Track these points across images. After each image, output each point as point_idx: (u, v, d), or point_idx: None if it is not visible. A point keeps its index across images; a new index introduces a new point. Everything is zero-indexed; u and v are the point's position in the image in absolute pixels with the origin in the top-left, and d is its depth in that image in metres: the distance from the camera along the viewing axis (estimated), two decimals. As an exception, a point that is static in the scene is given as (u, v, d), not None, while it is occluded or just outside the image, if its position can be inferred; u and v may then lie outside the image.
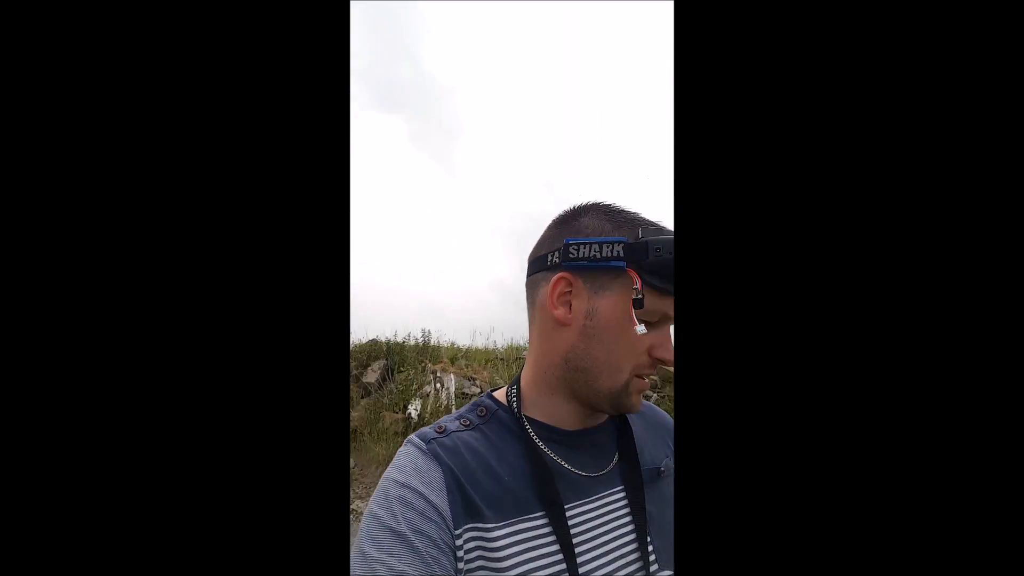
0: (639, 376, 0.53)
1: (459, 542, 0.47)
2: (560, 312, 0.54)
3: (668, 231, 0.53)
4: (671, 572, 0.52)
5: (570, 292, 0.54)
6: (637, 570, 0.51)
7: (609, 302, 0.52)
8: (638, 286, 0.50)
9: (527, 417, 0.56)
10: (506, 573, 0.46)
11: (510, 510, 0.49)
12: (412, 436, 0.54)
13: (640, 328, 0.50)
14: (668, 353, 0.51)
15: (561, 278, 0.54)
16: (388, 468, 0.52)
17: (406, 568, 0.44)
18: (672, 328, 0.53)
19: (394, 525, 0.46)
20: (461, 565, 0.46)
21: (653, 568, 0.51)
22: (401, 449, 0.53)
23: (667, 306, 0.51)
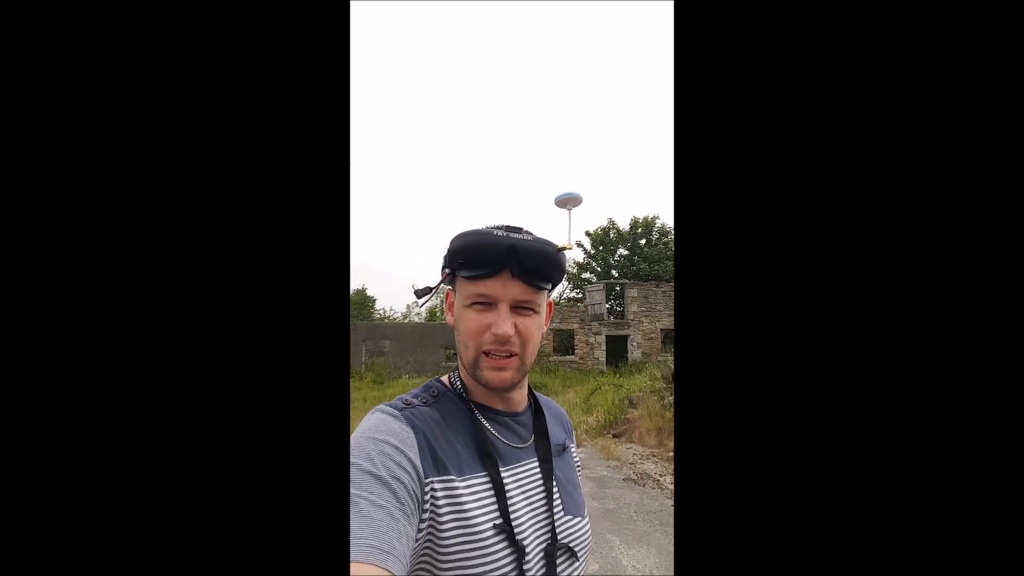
0: (485, 353, 0.63)
1: (427, 490, 0.56)
2: (448, 317, 0.70)
3: (486, 230, 0.65)
4: (572, 516, 0.67)
5: (450, 301, 0.70)
6: (546, 515, 0.64)
7: (454, 301, 0.67)
8: (442, 280, 0.69)
9: (469, 399, 0.69)
10: (467, 514, 0.57)
11: (465, 468, 0.61)
12: (382, 406, 0.64)
13: (449, 317, 0.69)
14: (499, 328, 0.61)
15: (447, 292, 0.71)
16: (361, 430, 0.61)
17: (385, 504, 0.53)
18: (507, 308, 0.62)
19: (374, 471, 0.54)
20: (427, 507, 0.55)
21: (558, 513, 0.66)
22: (373, 416, 0.62)
23: (486, 288, 0.62)
